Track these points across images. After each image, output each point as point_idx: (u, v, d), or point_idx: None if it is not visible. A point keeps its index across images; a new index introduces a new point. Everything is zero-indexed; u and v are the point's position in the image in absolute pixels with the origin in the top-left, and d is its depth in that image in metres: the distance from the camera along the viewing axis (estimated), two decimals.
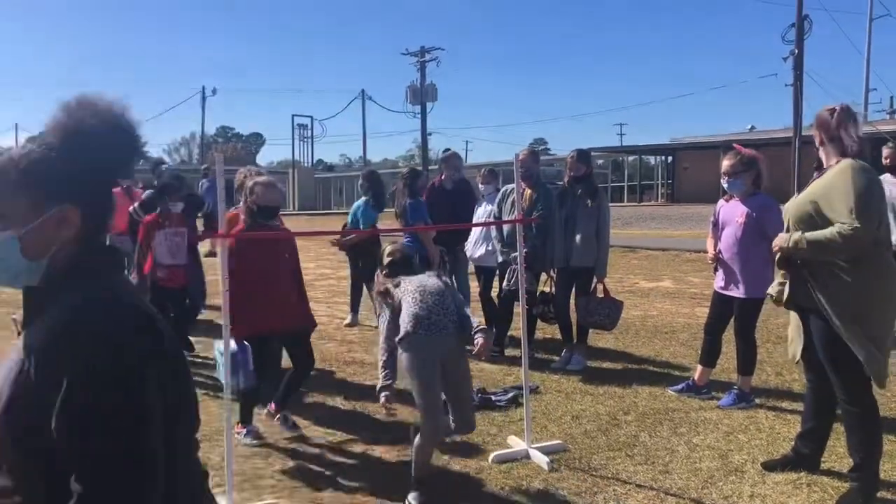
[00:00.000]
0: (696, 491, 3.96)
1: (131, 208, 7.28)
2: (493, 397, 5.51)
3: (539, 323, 7.12)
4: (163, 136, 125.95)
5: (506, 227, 6.74)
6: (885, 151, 6.56)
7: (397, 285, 4.02)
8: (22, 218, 1.39)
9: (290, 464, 4.42)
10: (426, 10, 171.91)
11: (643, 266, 14.25)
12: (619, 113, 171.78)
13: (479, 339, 3.87)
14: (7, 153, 1.41)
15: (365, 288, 8.05)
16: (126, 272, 2.92)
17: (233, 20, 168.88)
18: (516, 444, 4.61)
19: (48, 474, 1.30)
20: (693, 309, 9.35)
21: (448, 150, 7.64)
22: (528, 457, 4.43)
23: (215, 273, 5.99)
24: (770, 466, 4.19)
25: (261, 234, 5.46)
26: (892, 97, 51.15)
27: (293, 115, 55.39)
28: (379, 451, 4.60)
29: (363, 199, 8.08)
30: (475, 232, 7.53)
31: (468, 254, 7.62)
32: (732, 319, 5.42)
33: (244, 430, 4.75)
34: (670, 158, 42.69)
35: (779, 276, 4.12)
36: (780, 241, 3.80)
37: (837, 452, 4.29)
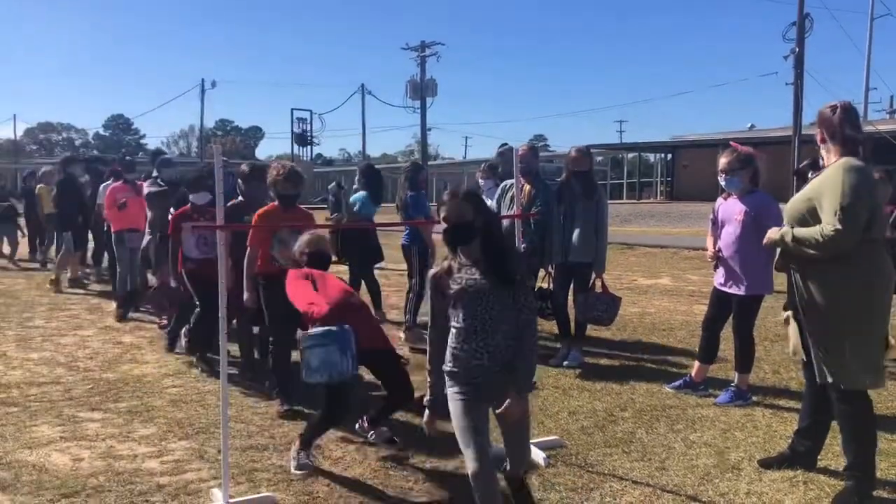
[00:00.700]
0: (693, 488, 3.96)
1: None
2: None
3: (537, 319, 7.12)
4: (162, 128, 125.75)
5: (504, 223, 6.72)
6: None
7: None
8: None
9: (287, 457, 4.41)
10: (427, 5, 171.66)
11: (642, 263, 14.25)
12: (620, 110, 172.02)
13: None
14: None
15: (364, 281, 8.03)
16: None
17: (232, 13, 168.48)
18: None
19: None
20: (691, 306, 9.35)
21: (504, 144, 7.62)
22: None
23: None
24: (767, 464, 4.19)
25: (241, 226, 5.51)
26: (892, 97, 51.24)
27: (293, 110, 55.31)
28: (374, 445, 4.59)
29: (362, 192, 8.06)
30: None
31: None
32: (731, 317, 5.42)
33: (300, 454, 4.21)
34: (670, 156, 42.71)
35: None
36: (772, 233, 3.86)
37: (834, 451, 4.29)
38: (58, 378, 6.11)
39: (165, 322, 7.66)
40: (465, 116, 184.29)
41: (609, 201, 7.36)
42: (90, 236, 11.57)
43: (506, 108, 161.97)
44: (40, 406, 5.35)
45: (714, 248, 5.44)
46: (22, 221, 14.13)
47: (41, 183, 13.02)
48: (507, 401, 3.15)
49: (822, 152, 3.83)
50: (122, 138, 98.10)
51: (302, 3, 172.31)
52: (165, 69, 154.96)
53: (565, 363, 6.40)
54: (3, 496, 3.84)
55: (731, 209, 5.30)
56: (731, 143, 5.45)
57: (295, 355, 4.89)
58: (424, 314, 6.36)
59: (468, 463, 3.11)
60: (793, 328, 4.02)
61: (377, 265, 8.50)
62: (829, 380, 3.70)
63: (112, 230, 9.05)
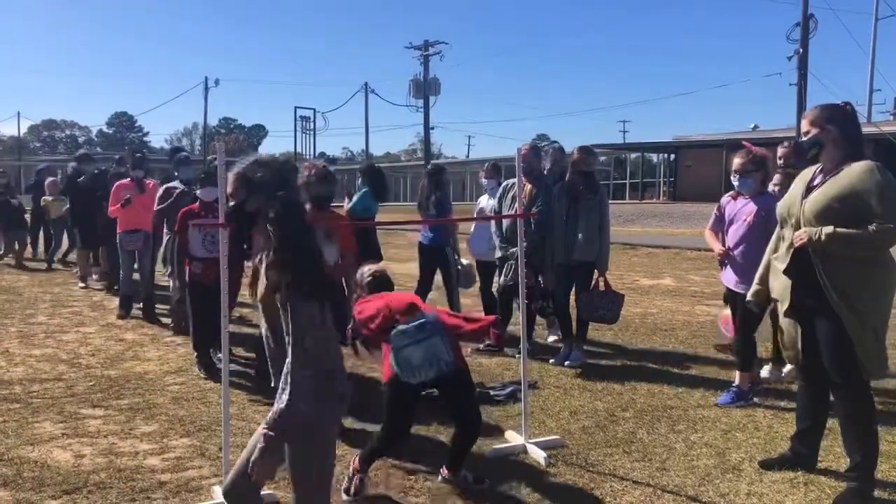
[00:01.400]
0: (693, 488, 3.96)
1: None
2: (492, 392, 5.52)
3: (538, 318, 7.13)
4: (165, 126, 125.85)
5: (505, 223, 6.74)
6: (781, 151, 6.45)
7: None
8: None
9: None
10: (430, 4, 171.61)
11: (644, 263, 14.25)
12: (623, 110, 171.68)
13: None
14: None
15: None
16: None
17: (235, 11, 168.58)
18: (514, 438, 4.61)
19: None
20: (693, 307, 9.35)
21: (556, 143, 7.62)
22: (525, 452, 4.43)
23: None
24: (767, 465, 4.19)
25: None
26: (895, 98, 51.08)
27: (296, 108, 55.30)
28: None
29: (363, 190, 8.07)
30: (476, 226, 7.56)
31: (469, 248, 7.66)
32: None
33: (355, 477, 3.89)
34: (673, 156, 42.62)
35: (756, 282, 4.15)
36: (810, 232, 3.71)
37: (835, 452, 4.29)
38: (60, 375, 6.12)
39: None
40: (468, 115, 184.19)
41: (611, 201, 7.36)
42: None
43: (509, 108, 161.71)
44: (42, 403, 5.36)
45: (723, 246, 5.41)
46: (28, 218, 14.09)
47: (49, 179, 13.14)
48: None
49: (827, 152, 3.79)
50: (126, 136, 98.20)
51: (305, 1, 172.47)
52: (169, 67, 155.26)
53: (567, 363, 6.40)
54: (5, 492, 3.85)
55: (742, 209, 5.29)
56: (745, 143, 5.45)
57: None
58: None
59: None
60: (790, 334, 4.00)
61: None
62: (876, 376, 3.75)
63: (118, 229, 8.77)
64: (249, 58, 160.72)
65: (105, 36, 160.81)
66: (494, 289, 7.31)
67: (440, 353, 3.67)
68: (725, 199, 5.52)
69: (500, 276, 6.87)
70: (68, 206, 11.23)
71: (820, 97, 40.54)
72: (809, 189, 3.84)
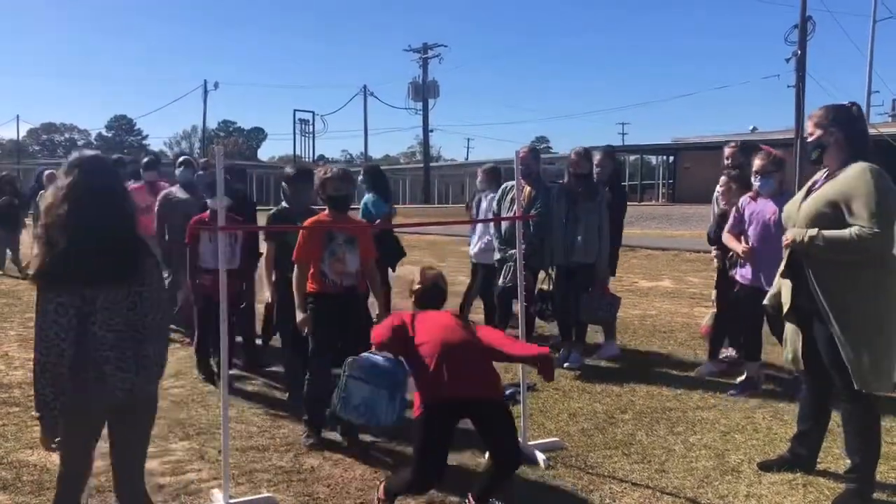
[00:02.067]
0: (692, 490, 3.96)
1: None
2: None
3: (537, 321, 7.13)
4: (165, 129, 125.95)
5: (504, 225, 6.74)
6: (727, 150, 6.56)
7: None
8: None
9: (287, 458, 4.42)
10: (429, 7, 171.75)
11: (643, 265, 14.25)
12: (621, 112, 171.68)
13: None
14: None
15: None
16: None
17: (234, 15, 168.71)
18: None
19: None
20: (692, 309, 9.35)
21: (608, 146, 7.65)
22: (524, 454, 4.43)
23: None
24: (766, 466, 4.20)
25: (243, 227, 5.44)
26: (894, 99, 51.07)
27: (295, 110, 55.36)
28: (376, 446, 4.60)
29: (370, 194, 8.05)
30: (475, 229, 7.57)
31: (469, 251, 7.68)
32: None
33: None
34: (672, 158, 42.65)
35: (774, 286, 4.13)
36: (795, 234, 3.75)
37: (834, 454, 4.30)
38: None
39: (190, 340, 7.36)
40: (467, 118, 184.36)
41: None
42: None
43: (508, 110, 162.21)
44: None
45: (745, 244, 5.45)
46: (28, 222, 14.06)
47: (48, 171, 12.79)
48: None
49: (830, 154, 3.77)
50: (125, 139, 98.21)
51: (304, 4, 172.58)
52: (168, 70, 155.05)
53: (566, 365, 6.40)
54: (5, 496, 3.85)
55: (763, 209, 5.35)
56: (764, 146, 5.53)
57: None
58: None
59: None
60: (791, 335, 4.01)
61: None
62: (869, 387, 3.62)
63: None
64: (248, 61, 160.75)
65: (104, 39, 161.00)
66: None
67: (378, 410, 3.47)
68: (745, 199, 5.55)
69: (498, 278, 6.87)
70: None
71: (818, 99, 40.69)
72: (810, 192, 3.84)
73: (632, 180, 47.31)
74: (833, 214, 3.63)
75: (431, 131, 48.90)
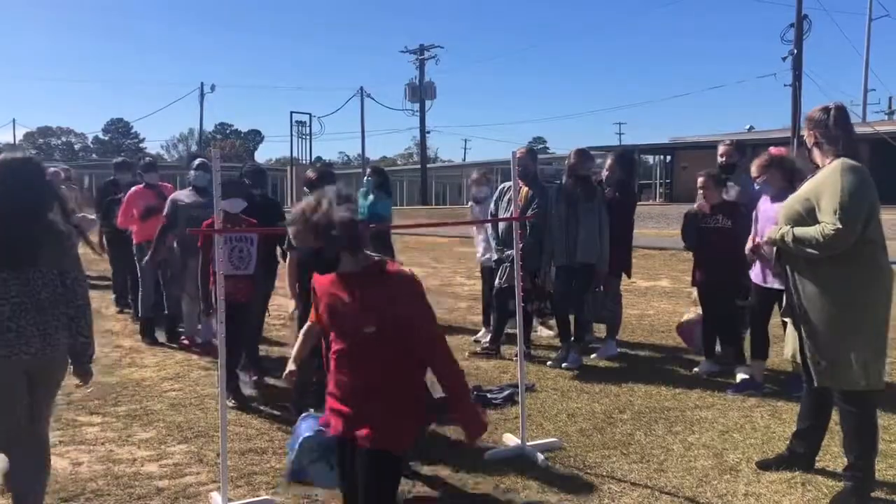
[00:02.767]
0: (691, 489, 3.96)
1: None
2: (489, 395, 5.52)
3: (534, 323, 7.14)
4: (161, 132, 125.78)
5: (501, 226, 6.75)
6: (722, 149, 6.64)
7: None
8: None
9: (286, 460, 4.41)
10: (425, 9, 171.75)
11: (640, 265, 14.23)
12: (618, 112, 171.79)
13: None
14: None
15: None
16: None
17: (231, 17, 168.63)
18: (512, 441, 4.61)
19: None
20: (690, 308, 9.34)
21: (630, 148, 7.68)
22: (523, 454, 4.44)
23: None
24: (765, 465, 4.20)
25: (241, 230, 5.32)
26: (890, 98, 51.29)
27: (292, 112, 55.32)
28: None
29: (373, 195, 8.01)
30: (479, 232, 7.59)
31: (477, 255, 7.71)
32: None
33: None
34: (669, 158, 42.70)
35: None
36: (771, 232, 3.86)
37: (832, 452, 4.30)
38: None
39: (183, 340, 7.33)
40: (464, 119, 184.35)
41: None
42: None
43: (505, 111, 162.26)
44: None
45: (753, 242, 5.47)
46: None
47: (52, 169, 12.44)
48: None
49: (815, 155, 3.82)
50: (122, 142, 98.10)
51: (300, 6, 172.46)
52: (165, 73, 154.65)
53: (564, 365, 6.41)
54: (4, 500, 3.85)
55: (769, 209, 5.37)
56: (771, 148, 5.58)
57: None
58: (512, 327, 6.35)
59: None
60: (791, 332, 4.03)
61: None
62: (826, 383, 3.72)
63: (134, 241, 7.75)
64: (245, 63, 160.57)
65: (100, 42, 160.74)
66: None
67: (328, 480, 3.24)
68: (763, 199, 5.56)
69: (495, 278, 6.87)
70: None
71: (815, 97, 40.75)
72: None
73: None
74: (805, 212, 3.69)
75: (428, 132, 48.93)
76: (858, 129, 4.13)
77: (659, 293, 10.77)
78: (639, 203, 7.60)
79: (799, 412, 4.28)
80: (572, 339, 6.60)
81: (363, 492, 2.78)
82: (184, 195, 7.05)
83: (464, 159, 77.82)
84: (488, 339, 7.13)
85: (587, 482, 4.07)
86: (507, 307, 7.00)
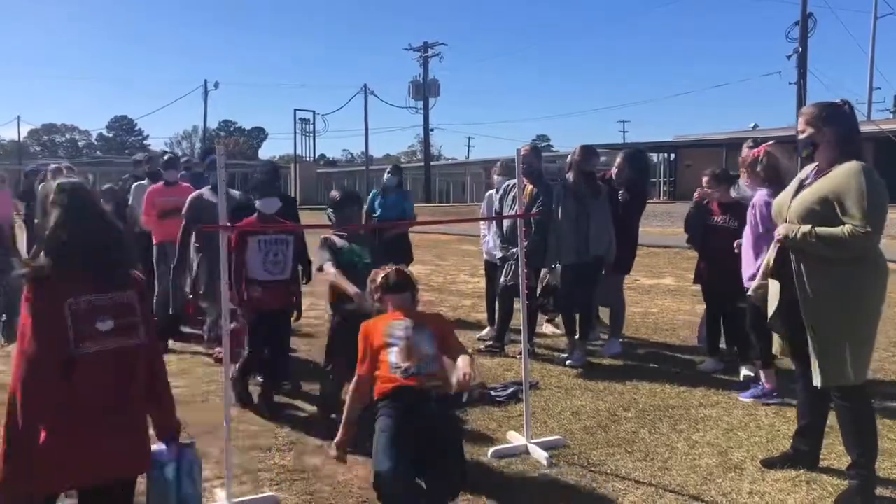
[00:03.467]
0: (695, 488, 3.96)
1: None
2: (493, 392, 5.51)
3: (539, 318, 7.14)
4: (165, 129, 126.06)
5: (506, 223, 6.74)
6: (745, 151, 6.56)
7: None
8: None
9: (290, 457, 4.42)
10: (429, 6, 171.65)
11: (644, 263, 14.21)
12: (622, 110, 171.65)
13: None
14: None
15: None
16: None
17: (235, 15, 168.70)
18: (515, 439, 4.61)
19: None
20: (694, 306, 9.32)
21: (639, 149, 7.69)
22: (527, 452, 4.43)
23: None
24: (769, 464, 4.19)
25: (246, 226, 5.30)
26: (895, 96, 51.07)
27: (295, 110, 55.41)
28: None
29: (395, 194, 7.97)
30: (486, 227, 7.57)
31: (483, 248, 7.70)
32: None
33: None
34: (673, 155, 42.65)
35: (760, 277, 4.15)
36: (787, 230, 3.75)
37: (837, 451, 4.29)
38: None
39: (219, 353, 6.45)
40: (468, 116, 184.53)
41: None
42: None
43: (508, 109, 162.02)
44: None
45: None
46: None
47: (53, 166, 12.16)
48: None
49: (823, 152, 3.76)
50: (126, 139, 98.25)
51: (304, 4, 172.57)
52: (169, 70, 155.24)
53: (568, 362, 6.40)
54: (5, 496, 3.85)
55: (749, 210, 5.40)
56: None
57: None
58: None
59: None
60: (781, 329, 4.01)
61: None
62: (828, 382, 3.69)
63: (154, 241, 7.40)
64: (249, 61, 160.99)
65: (104, 40, 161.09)
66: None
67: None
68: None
69: (500, 276, 6.87)
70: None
71: (819, 95, 40.50)
72: (801, 187, 3.84)
73: None
74: (824, 211, 3.64)
75: (432, 130, 48.90)
76: (863, 128, 4.10)
77: (663, 291, 10.76)
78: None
79: (797, 410, 4.27)
80: (576, 336, 6.59)
81: None
82: (205, 194, 6.60)
83: (467, 157, 77.85)
84: (492, 336, 7.12)
85: (591, 480, 4.07)
86: (511, 305, 7.01)
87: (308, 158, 57.40)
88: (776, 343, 4.11)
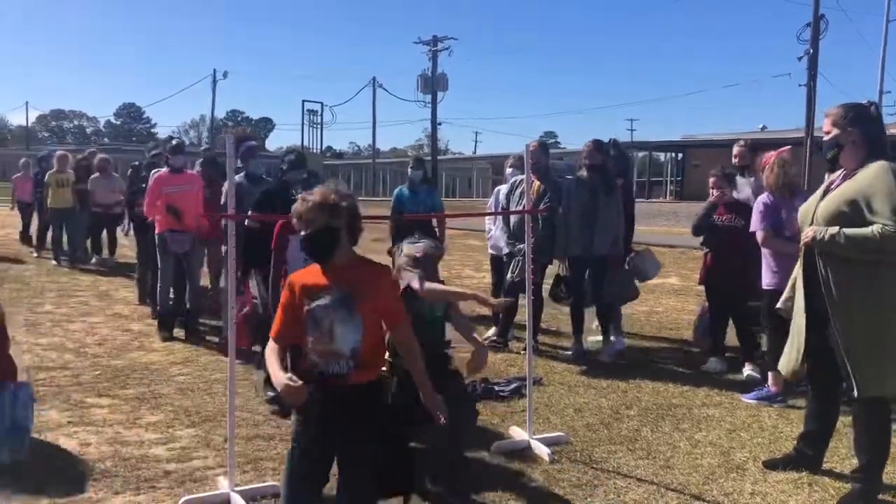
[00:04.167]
0: (697, 487, 3.96)
1: None
2: (496, 388, 5.52)
3: (543, 315, 7.13)
4: (173, 118, 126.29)
5: (513, 219, 6.73)
6: (736, 150, 6.75)
7: None
8: None
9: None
10: (439, 0, 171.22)
11: None
12: (631, 108, 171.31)
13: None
14: None
15: None
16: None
17: (245, 5, 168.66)
18: (518, 434, 4.61)
19: None
20: (698, 306, 9.31)
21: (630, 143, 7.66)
22: (529, 448, 4.44)
23: None
24: (772, 465, 4.19)
25: (253, 216, 5.29)
26: None
27: (303, 101, 55.41)
28: None
29: (421, 188, 7.77)
30: (494, 222, 7.56)
31: (489, 242, 7.67)
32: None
33: None
34: (680, 155, 42.57)
35: (788, 289, 4.09)
36: (815, 232, 3.69)
37: (840, 454, 4.28)
38: (66, 364, 6.14)
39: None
40: (476, 112, 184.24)
41: None
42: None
43: (516, 105, 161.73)
44: (48, 391, 5.38)
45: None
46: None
47: (60, 153, 12.09)
48: None
49: (848, 153, 3.71)
50: (134, 127, 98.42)
51: None
52: (178, 59, 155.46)
53: (568, 353, 6.46)
54: (11, 479, 3.87)
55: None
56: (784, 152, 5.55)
57: None
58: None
59: None
60: (794, 345, 3.96)
61: None
62: (868, 392, 3.59)
63: (156, 231, 7.20)
64: (258, 51, 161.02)
65: (114, 27, 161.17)
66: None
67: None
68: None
69: (506, 272, 6.86)
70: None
71: (829, 98, 40.50)
72: (828, 191, 3.81)
73: (640, 177, 47.21)
74: (852, 213, 3.59)
75: (440, 124, 48.85)
76: None
77: (668, 290, 10.75)
78: (651, 200, 7.54)
79: (806, 414, 4.25)
80: (600, 331, 6.68)
81: None
82: (244, 182, 6.20)
83: (474, 152, 77.79)
84: (495, 331, 7.12)
85: (593, 477, 4.07)
86: (517, 301, 6.99)
87: (315, 150, 57.38)
88: (789, 362, 4.02)
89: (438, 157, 51.05)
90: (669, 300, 9.92)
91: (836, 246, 3.61)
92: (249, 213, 5.46)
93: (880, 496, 3.77)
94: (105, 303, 8.92)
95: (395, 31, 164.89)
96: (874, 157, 3.63)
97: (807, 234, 3.75)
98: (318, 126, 56.25)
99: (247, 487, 3.80)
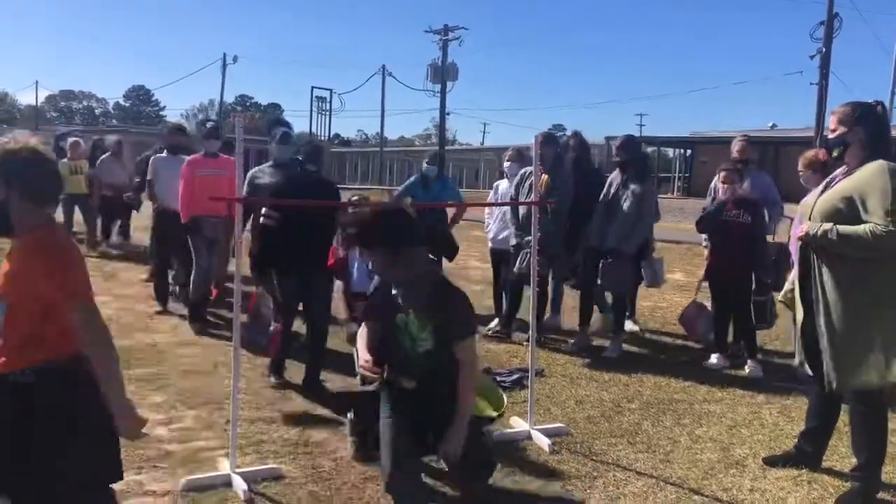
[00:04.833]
0: (696, 482, 3.97)
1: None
2: (498, 378, 5.53)
3: (547, 309, 7.14)
4: (182, 101, 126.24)
5: (521, 210, 6.73)
6: (738, 144, 6.71)
7: None
8: None
9: (294, 430, 4.46)
10: None
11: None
12: (640, 103, 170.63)
13: None
14: None
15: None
16: None
17: None
18: (519, 424, 4.63)
19: None
20: (703, 302, 9.31)
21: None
22: (529, 438, 4.45)
23: None
24: (771, 462, 4.20)
25: (256, 200, 5.27)
26: None
27: (312, 88, 55.26)
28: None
29: (441, 178, 7.70)
30: (494, 214, 7.54)
31: (488, 235, 7.65)
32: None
33: None
34: (689, 151, 42.41)
35: (789, 283, 4.11)
36: (809, 227, 3.72)
37: (840, 452, 4.29)
38: None
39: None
40: (484, 103, 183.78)
41: None
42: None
43: (525, 97, 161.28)
44: None
45: None
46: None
47: (73, 139, 11.84)
48: None
49: (853, 151, 3.70)
50: (142, 109, 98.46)
51: None
52: (188, 42, 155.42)
53: (605, 353, 6.46)
54: None
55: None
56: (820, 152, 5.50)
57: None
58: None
59: None
60: (800, 331, 3.98)
61: None
62: (844, 386, 3.64)
63: (184, 216, 6.83)
64: (268, 37, 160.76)
65: (124, 8, 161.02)
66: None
67: None
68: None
69: (513, 264, 6.86)
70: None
71: (841, 97, 40.12)
72: (827, 187, 3.81)
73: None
74: (847, 210, 3.61)
75: (448, 114, 48.68)
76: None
77: (672, 286, 10.73)
78: (658, 196, 7.50)
79: (807, 412, 4.26)
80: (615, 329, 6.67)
81: None
82: (264, 172, 5.81)
83: (482, 143, 77.56)
84: (497, 322, 7.14)
85: (592, 469, 4.08)
86: (521, 292, 7.00)
87: (323, 137, 57.30)
88: (798, 353, 4.04)
89: (446, 148, 50.98)
90: (674, 296, 9.92)
91: (828, 242, 3.64)
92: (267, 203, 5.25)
93: (879, 495, 3.78)
94: (111, 283, 8.95)
95: (406, 19, 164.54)
96: (876, 156, 3.63)
97: (801, 228, 3.79)
98: (327, 113, 56.18)
99: (248, 469, 3.82)
